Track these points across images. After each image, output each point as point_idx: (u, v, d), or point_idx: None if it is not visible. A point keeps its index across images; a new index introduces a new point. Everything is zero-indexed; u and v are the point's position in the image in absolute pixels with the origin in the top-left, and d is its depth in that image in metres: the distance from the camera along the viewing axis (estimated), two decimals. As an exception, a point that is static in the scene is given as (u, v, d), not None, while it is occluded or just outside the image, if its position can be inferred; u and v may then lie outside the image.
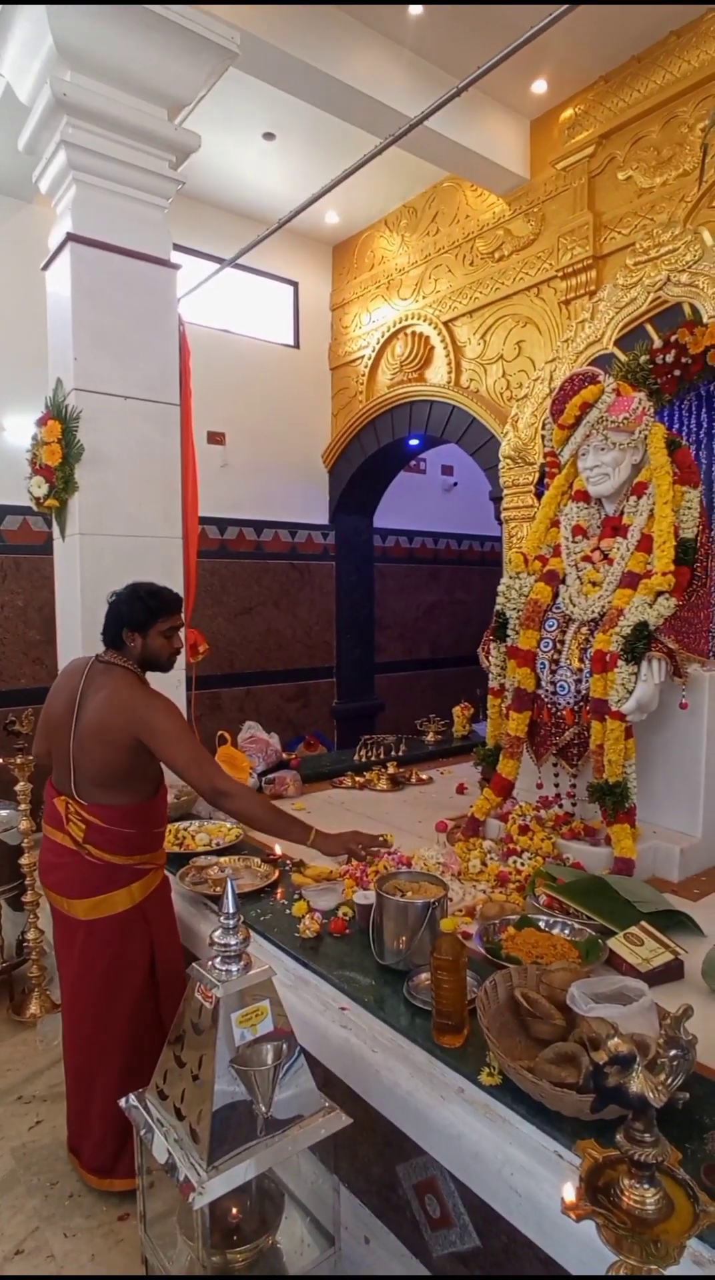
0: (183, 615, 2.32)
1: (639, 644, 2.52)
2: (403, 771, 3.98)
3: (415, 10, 4.24)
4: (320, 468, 7.22)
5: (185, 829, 2.99)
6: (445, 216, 5.97)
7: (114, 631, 2.20)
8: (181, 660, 3.71)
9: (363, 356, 6.80)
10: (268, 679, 6.86)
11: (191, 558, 3.91)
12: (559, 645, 2.86)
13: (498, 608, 3.10)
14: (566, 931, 2.04)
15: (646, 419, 2.88)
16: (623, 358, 4.24)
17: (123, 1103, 1.67)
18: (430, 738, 4.77)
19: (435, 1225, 1.59)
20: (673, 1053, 1.11)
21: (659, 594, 2.62)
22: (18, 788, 3.10)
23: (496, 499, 5.33)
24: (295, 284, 6.99)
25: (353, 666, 7.48)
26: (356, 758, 4.34)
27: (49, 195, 3.65)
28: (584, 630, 2.80)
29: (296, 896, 2.38)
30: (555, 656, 2.86)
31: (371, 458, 6.84)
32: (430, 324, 6.07)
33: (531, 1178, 1.34)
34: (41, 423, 3.42)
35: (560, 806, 2.92)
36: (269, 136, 5.36)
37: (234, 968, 1.54)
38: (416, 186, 6.07)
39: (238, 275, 6.33)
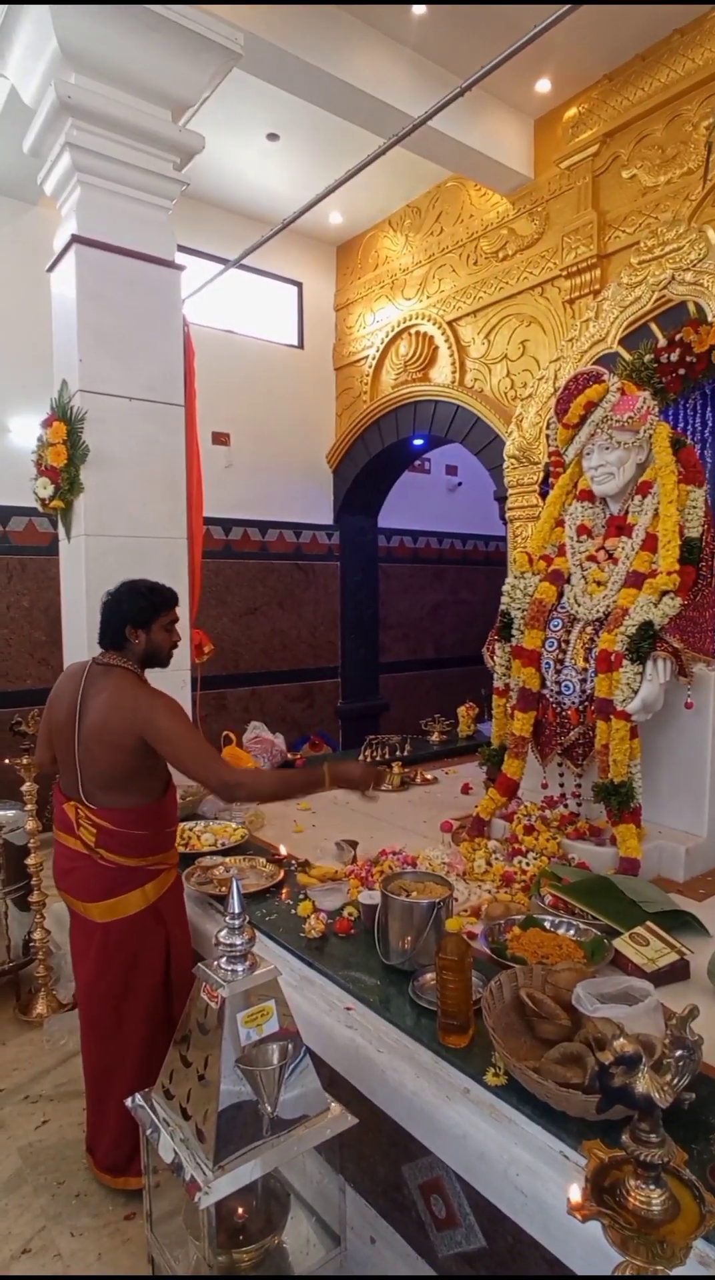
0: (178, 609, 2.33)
1: (644, 643, 2.52)
2: (407, 771, 3.98)
3: (418, 10, 4.24)
4: (325, 468, 7.22)
5: (191, 829, 3.00)
6: (449, 216, 5.96)
7: (116, 631, 2.20)
8: (187, 660, 3.73)
9: (367, 356, 6.80)
10: (273, 679, 6.86)
11: (196, 558, 3.92)
12: (564, 645, 2.86)
13: (502, 607, 3.10)
14: (572, 932, 2.04)
15: (651, 418, 2.87)
16: (627, 357, 4.23)
17: (129, 1102, 1.67)
18: (435, 738, 4.76)
19: (441, 1225, 1.59)
20: (679, 1053, 1.11)
21: (664, 593, 2.62)
22: (24, 788, 3.11)
23: (501, 498, 5.33)
24: (299, 284, 7.00)
25: (357, 666, 7.48)
26: (361, 758, 4.34)
27: (54, 197, 3.66)
28: (589, 630, 2.80)
29: (302, 896, 2.38)
30: (560, 656, 2.85)
31: (376, 458, 6.84)
32: (434, 324, 6.06)
33: (537, 1178, 1.34)
34: (47, 424, 3.43)
35: (565, 806, 2.91)
36: (273, 137, 5.36)
37: (239, 968, 1.54)
38: (420, 186, 6.07)
39: (242, 276, 6.34)
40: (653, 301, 4.13)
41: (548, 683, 2.89)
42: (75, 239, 3.38)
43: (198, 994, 1.58)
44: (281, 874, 2.61)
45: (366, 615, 7.54)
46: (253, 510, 6.70)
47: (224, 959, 1.55)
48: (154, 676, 2.28)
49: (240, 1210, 1.65)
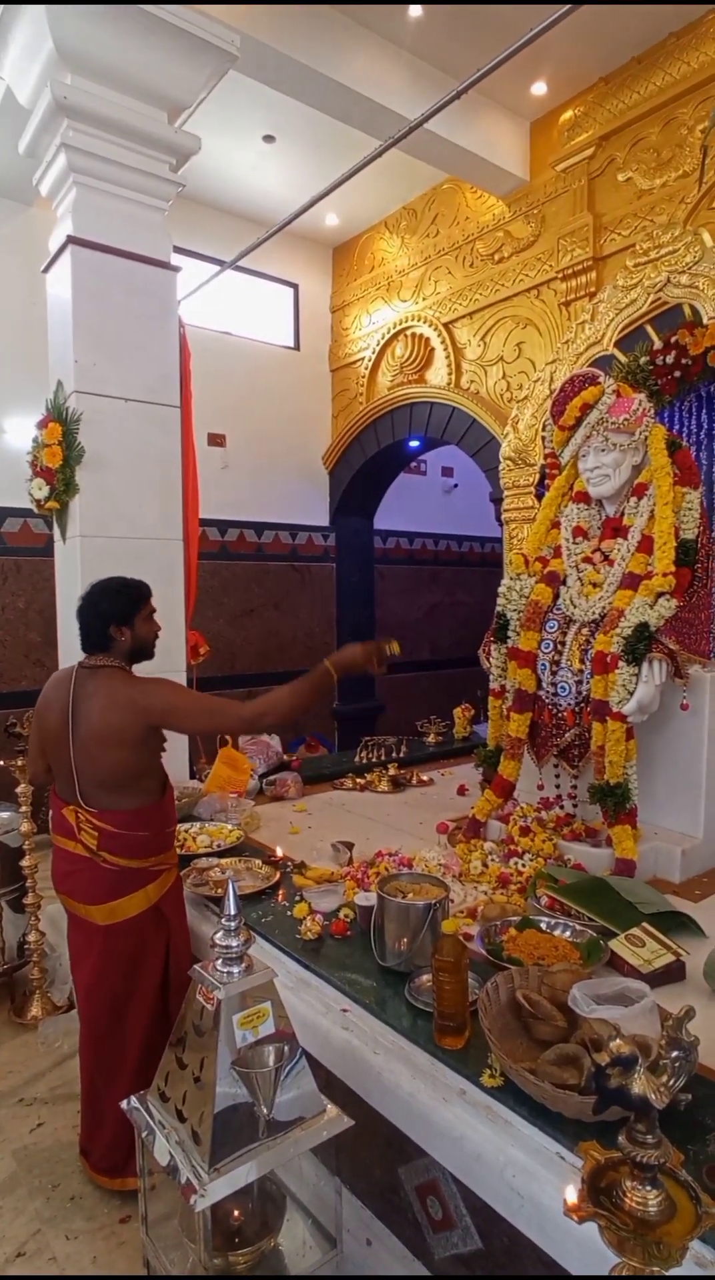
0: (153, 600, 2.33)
1: (640, 645, 2.52)
2: (404, 773, 3.97)
3: (414, 12, 4.24)
4: (320, 469, 7.22)
5: (187, 831, 2.99)
6: (445, 218, 5.97)
7: (99, 632, 2.18)
8: (183, 662, 3.72)
9: (363, 358, 6.81)
10: (268, 680, 6.81)
11: (192, 560, 3.91)
12: (560, 646, 2.86)
13: (498, 609, 3.10)
14: (568, 933, 2.04)
15: (647, 420, 2.88)
16: (623, 359, 4.24)
17: (124, 1104, 1.67)
18: (431, 739, 4.76)
19: (437, 1227, 1.59)
20: (675, 1054, 1.11)
21: (660, 595, 2.62)
22: (19, 790, 3.10)
23: (497, 500, 5.34)
24: (295, 286, 7.00)
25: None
26: (357, 759, 4.34)
27: (49, 198, 3.66)
28: (585, 631, 2.80)
29: (298, 898, 2.38)
30: (556, 658, 2.86)
31: (372, 459, 6.85)
32: (430, 325, 6.07)
33: (534, 1179, 1.34)
34: (42, 425, 3.42)
35: (561, 808, 2.92)
36: (269, 139, 5.36)
37: (235, 969, 1.54)
38: (416, 188, 6.08)
39: (238, 277, 6.34)
40: (648, 304, 4.14)
41: (544, 684, 2.89)
42: (71, 240, 3.38)
43: (193, 996, 1.58)
44: (277, 876, 2.60)
45: (362, 617, 7.53)
46: (248, 512, 6.69)
47: (220, 961, 1.55)
48: (146, 671, 2.27)
49: (236, 1213, 1.65)
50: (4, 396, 5.16)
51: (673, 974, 1.92)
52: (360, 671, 2.38)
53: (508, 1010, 1.66)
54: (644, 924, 2.02)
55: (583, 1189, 1.09)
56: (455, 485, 8.44)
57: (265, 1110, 1.47)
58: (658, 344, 4.10)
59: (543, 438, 4.78)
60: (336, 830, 3.11)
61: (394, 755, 4.37)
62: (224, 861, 2.74)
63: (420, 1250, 1.64)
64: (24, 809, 3.13)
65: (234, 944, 1.55)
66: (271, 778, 3.78)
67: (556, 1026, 1.58)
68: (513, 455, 5.00)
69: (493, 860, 2.68)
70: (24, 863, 3.15)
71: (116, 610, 2.18)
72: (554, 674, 2.85)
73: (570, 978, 1.65)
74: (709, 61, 4.18)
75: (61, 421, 3.36)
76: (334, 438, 7.14)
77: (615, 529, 2.96)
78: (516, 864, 2.60)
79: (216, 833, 3.01)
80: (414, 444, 6.76)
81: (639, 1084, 1.08)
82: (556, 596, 2.97)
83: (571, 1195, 1.09)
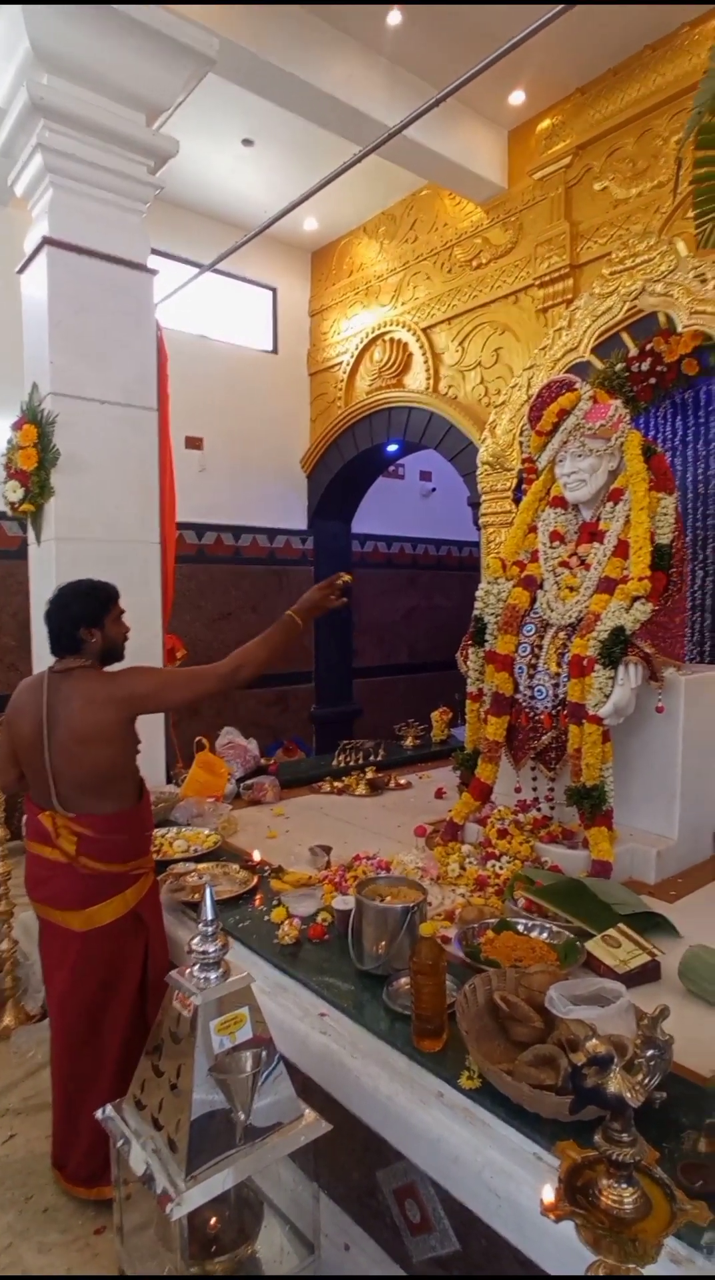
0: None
1: (616, 649, 2.55)
2: (381, 776, 3.98)
3: (393, 19, 4.27)
4: (299, 473, 7.22)
5: (163, 835, 2.97)
6: (424, 224, 6.01)
7: (69, 635, 2.16)
8: (160, 664, 3.69)
9: (341, 362, 6.82)
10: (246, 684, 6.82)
11: (169, 563, 3.89)
12: (537, 650, 2.88)
13: (476, 613, 3.12)
14: (545, 934, 2.05)
15: (623, 426, 2.91)
16: (599, 365, 4.29)
17: (99, 1114, 1.65)
18: (409, 742, 4.77)
19: (415, 1230, 1.59)
20: (650, 1053, 1.12)
21: (635, 599, 2.65)
22: (-8, 795, 3.06)
23: (475, 504, 5.36)
24: (274, 289, 6.99)
25: (331, 671, 7.47)
26: (335, 763, 4.34)
27: (25, 198, 3.63)
28: (561, 635, 2.82)
29: (275, 902, 2.37)
30: (533, 661, 2.88)
31: (350, 463, 6.85)
32: (409, 330, 6.10)
33: (511, 1180, 1.35)
34: (17, 427, 3.39)
35: (538, 810, 2.93)
36: (248, 143, 5.36)
37: (213, 975, 1.53)
38: (395, 194, 6.11)
39: (216, 280, 6.33)
40: (624, 312, 4.19)
41: (521, 687, 2.91)
42: (47, 241, 3.35)
43: (170, 1002, 1.56)
44: (255, 880, 2.59)
45: (340, 620, 7.53)
46: (226, 515, 6.67)
47: (197, 966, 1.54)
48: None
49: (213, 1220, 1.63)
50: (-22, 397, 5.09)
51: (648, 974, 1.94)
52: (323, 611, 2.47)
53: (485, 1012, 1.66)
54: (620, 925, 2.04)
55: (559, 1188, 1.10)
56: (433, 489, 8.47)
57: (242, 1116, 1.46)
58: (633, 351, 4.15)
59: (520, 443, 4.81)
60: (314, 834, 3.10)
61: (372, 759, 4.37)
62: (201, 866, 2.72)
63: (398, 1254, 1.64)
64: (-3, 815, 3.08)
65: (211, 949, 1.54)
66: (249, 782, 3.77)
67: (534, 1028, 1.58)
68: (490, 460, 5.03)
69: (470, 863, 2.69)
70: (-3, 869, 3.11)
71: (86, 612, 2.16)
72: (531, 677, 2.87)
73: (547, 979, 1.66)
74: (683, 74, 4.25)
75: (37, 424, 3.33)
76: (312, 441, 7.14)
77: (592, 534, 2.99)
78: (494, 866, 2.61)
79: (193, 837, 2.99)
80: (392, 448, 6.78)
81: (615, 1083, 1.08)
82: (534, 600, 2.99)
83: (548, 1195, 1.09)
